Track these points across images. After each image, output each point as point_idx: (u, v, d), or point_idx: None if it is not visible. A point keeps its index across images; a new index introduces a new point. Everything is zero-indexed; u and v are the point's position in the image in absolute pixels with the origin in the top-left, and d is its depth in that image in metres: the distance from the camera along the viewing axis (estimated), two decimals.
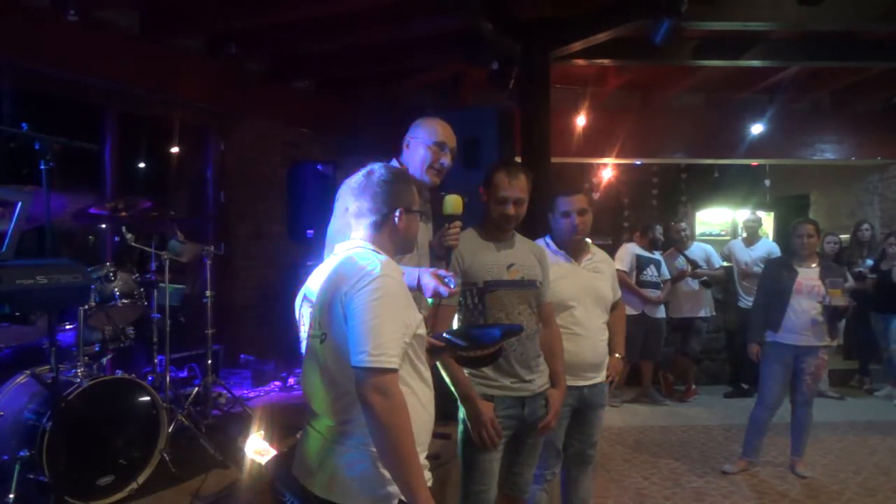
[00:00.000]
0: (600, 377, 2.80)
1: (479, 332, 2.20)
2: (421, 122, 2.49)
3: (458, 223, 2.30)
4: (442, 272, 2.08)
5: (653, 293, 5.91)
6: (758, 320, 4.27)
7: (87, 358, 3.15)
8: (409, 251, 1.95)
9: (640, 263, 5.96)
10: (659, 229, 6.31)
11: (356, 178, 1.81)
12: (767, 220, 8.92)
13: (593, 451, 2.89)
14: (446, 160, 2.44)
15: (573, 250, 2.79)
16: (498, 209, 2.46)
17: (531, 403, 2.44)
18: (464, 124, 4.13)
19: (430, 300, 2.14)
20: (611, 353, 2.88)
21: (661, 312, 6.02)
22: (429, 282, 2.06)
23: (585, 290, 2.76)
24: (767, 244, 6.41)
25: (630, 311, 5.50)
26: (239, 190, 5.58)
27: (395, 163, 2.45)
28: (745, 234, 6.51)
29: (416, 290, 2.11)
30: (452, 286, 2.04)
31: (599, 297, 2.80)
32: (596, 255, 2.87)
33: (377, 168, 1.81)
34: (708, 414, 5.76)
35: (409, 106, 6.36)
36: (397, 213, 1.77)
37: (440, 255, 2.38)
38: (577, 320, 2.71)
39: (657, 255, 6.11)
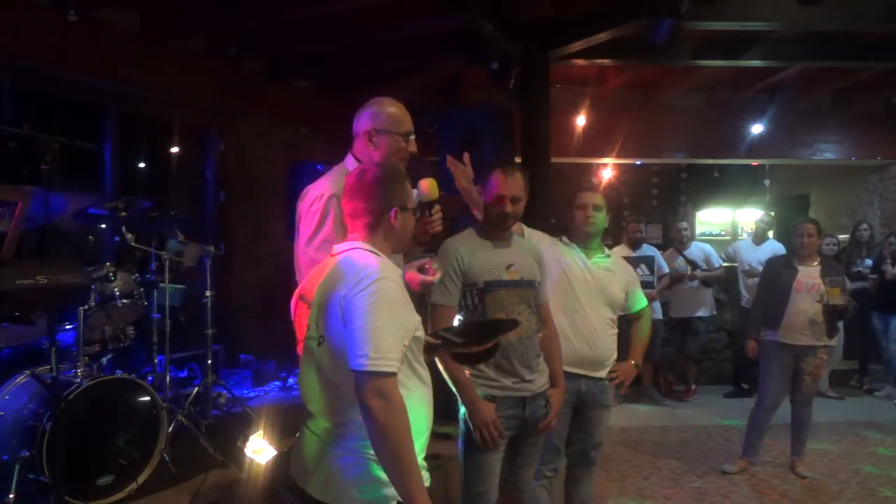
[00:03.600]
0: (600, 373, 2.81)
1: (474, 327, 2.20)
2: (380, 109, 2.25)
3: (438, 207, 2.26)
4: (417, 262, 2.06)
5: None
6: (756, 317, 4.28)
7: (87, 358, 3.15)
8: (404, 249, 1.95)
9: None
10: (640, 227, 6.04)
11: (349, 180, 1.79)
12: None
13: (595, 454, 2.89)
14: (413, 148, 2.29)
15: (586, 244, 2.88)
16: (495, 208, 2.46)
17: (532, 403, 2.44)
18: (464, 124, 4.15)
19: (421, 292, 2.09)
20: (627, 357, 2.94)
21: (656, 313, 5.92)
22: (412, 277, 2.03)
23: (594, 286, 2.81)
24: (773, 245, 6.36)
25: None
26: (239, 190, 5.58)
27: (350, 158, 2.31)
28: (752, 232, 6.47)
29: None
30: (434, 268, 2.02)
31: (608, 295, 2.84)
32: (611, 257, 2.96)
33: (370, 168, 1.80)
34: (708, 414, 5.76)
35: (409, 106, 6.33)
36: (392, 213, 1.76)
37: (422, 243, 2.34)
38: (580, 314, 2.76)
39: (648, 251, 5.97)
